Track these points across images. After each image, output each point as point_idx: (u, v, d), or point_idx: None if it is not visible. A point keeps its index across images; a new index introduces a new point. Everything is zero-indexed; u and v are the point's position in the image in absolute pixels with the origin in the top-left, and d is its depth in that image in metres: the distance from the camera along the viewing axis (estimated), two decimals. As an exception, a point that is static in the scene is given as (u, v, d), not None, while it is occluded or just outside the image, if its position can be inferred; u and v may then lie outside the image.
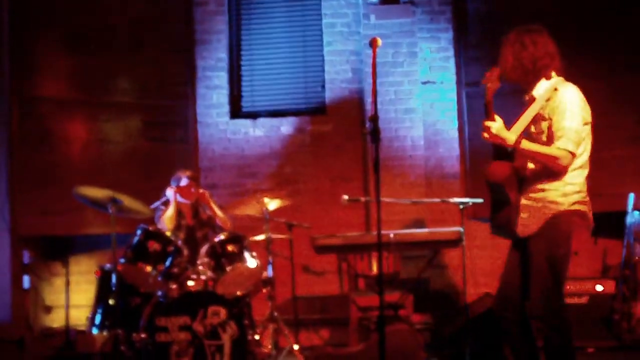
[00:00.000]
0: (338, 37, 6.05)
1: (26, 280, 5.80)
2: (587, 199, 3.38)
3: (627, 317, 5.08)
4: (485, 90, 3.36)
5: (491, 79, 3.37)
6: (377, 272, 4.70)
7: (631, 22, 5.62)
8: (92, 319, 4.55)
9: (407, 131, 5.88)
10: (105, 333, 4.47)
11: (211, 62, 6.11)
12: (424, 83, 5.95)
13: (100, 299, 4.57)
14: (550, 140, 3.29)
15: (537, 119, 3.37)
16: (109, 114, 5.97)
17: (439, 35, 5.96)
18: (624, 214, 5.33)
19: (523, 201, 3.36)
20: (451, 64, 5.95)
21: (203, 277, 4.43)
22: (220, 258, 4.48)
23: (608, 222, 5.61)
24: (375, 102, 3.25)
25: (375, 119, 3.24)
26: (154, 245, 4.37)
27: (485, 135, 3.33)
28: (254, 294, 4.90)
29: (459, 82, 5.96)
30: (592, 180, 5.52)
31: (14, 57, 5.75)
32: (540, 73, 3.38)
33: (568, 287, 5.17)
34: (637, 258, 5.23)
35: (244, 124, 6.10)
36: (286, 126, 6.05)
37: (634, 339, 5.03)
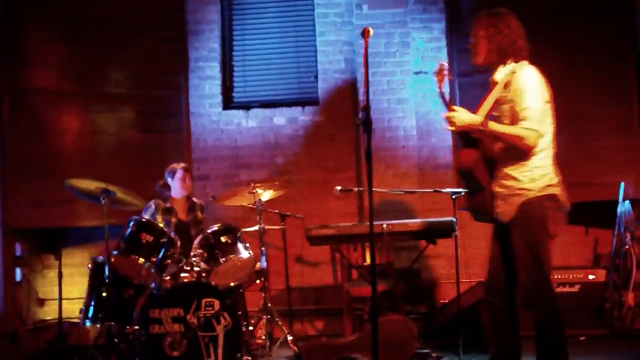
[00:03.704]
0: (331, 27, 6.04)
1: (18, 273, 5.79)
2: (558, 180, 3.42)
3: (618, 306, 5.12)
4: (436, 82, 3.48)
5: (440, 73, 3.48)
6: (370, 263, 4.71)
7: (622, 12, 5.63)
8: (85, 311, 4.53)
9: (399, 121, 5.88)
10: (98, 325, 4.45)
11: (204, 53, 6.09)
12: (417, 73, 5.95)
13: (93, 291, 4.55)
14: (513, 123, 3.34)
15: (499, 102, 3.43)
16: (102, 105, 5.95)
17: (432, 26, 5.96)
18: (614, 203, 5.36)
19: (496, 188, 3.43)
20: (444, 54, 5.95)
21: (196, 269, 4.43)
22: (214, 249, 4.47)
23: (599, 212, 5.66)
24: (367, 93, 3.25)
25: (367, 109, 3.24)
26: (146, 237, 4.35)
27: (449, 127, 3.41)
28: (248, 285, 4.91)
29: (451, 73, 5.95)
30: (583, 170, 5.63)
31: (5, 47, 5.72)
32: (513, 55, 3.43)
33: (560, 276, 5.21)
34: (627, 247, 5.26)
35: (236, 114, 6.09)
36: (279, 117, 6.04)
37: (625, 327, 5.08)
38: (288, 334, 4.71)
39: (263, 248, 4.77)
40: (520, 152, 3.34)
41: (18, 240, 5.81)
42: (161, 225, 4.53)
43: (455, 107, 3.43)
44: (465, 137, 3.48)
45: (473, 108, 6.22)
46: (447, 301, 5.33)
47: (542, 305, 3.34)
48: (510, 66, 3.43)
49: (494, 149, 3.46)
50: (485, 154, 3.47)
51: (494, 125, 3.36)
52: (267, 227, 4.86)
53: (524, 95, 3.31)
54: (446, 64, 3.53)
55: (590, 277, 5.19)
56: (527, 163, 3.34)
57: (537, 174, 3.34)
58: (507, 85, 3.40)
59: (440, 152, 5.91)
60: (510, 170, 3.37)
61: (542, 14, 5.76)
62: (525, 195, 3.33)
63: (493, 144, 3.45)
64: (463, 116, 3.40)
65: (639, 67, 5.65)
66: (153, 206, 4.96)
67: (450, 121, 3.42)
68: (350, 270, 5.33)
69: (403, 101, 5.90)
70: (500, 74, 3.44)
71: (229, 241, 4.53)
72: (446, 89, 3.54)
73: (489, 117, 3.42)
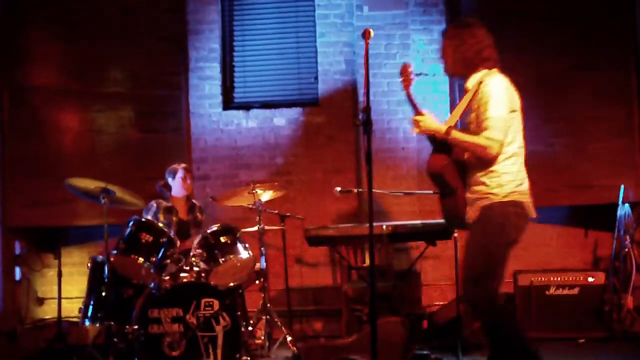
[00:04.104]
0: (331, 29, 6.04)
1: (18, 272, 5.79)
2: (525, 187, 3.43)
3: (617, 309, 5.12)
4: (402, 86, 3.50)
5: (404, 74, 3.50)
6: (369, 264, 4.71)
7: (622, 14, 5.63)
8: (85, 310, 4.53)
9: (399, 123, 5.88)
10: (97, 325, 4.45)
11: (204, 53, 6.09)
12: (417, 75, 5.92)
13: (92, 291, 4.56)
14: (478, 132, 3.37)
15: (469, 110, 3.46)
16: (101, 104, 5.95)
17: (432, 27, 5.96)
18: (614, 206, 5.36)
19: (467, 195, 3.46)
20: (444, 56, 5.94)
21: (196, 269, 4.43)
22: (213, 249, 4.47)
23: (599, 214, 5.67)
24: (367, 94, 3.25)
25: (367, 110, 3.24)
26: (146, 237, 4.34)
27: (416, 130, 3.45)
28: (247, 286, 4.91)
29: (411, 74, 5.95)
30: (583, 172, 5.63)
31: (4, 46, 5.72)
32: (480, 65, 3.46)
33: (559, 279, 5.22)
34: (627, 250, 5.26)
35: (236, 115, 6.09)
36: (279, 117, 6.04)
37: (624, 330, 5.08)
38: (287, 334, 4.71)
39: (262, 248, 4.77)
40: (486, 159, 3.36)
41: (17, 239, 5.81)
42: (161, 224, 4.53)
43: (423, 112, 3.47)
44: (436, 142, 3.51)
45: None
46: (446, 302, 5.32)
47: (481, 303, 3.37)
48: (480, 74, 3.46)
49: (465, 156, 3.50)
50: (457, 160, 3.49)
51: (456, 135, 3.40)
52: (266, 227, 4.86)
53: (488, 105, 3.33)
54: (411, 65, 3.54)
55: (590, 279, 5.19)
56: (496, 169, 3.37)
57: (504, 180, 3.36)
58: (475, 94, 3.43)
59: (440, 153, 5.90)
60: (480, 176, 3.40)
61: (541, 16, 5.77)
62: (490, 200, 3.36)
63: (462, 151, 3.48)
64: (428, 123, 3.45)
65: (639, 69, 5.66)
66: (155, 206, 4.97)
67: (416, 124, 3.46)
68: (350, 271, 5.33)
69: (403, 103, 5.88)
70: (471, 82, 3.48)
71: (229, 241, 4.52)
72: (414, 91, 3.54)
73: (457, 124, 3.44)
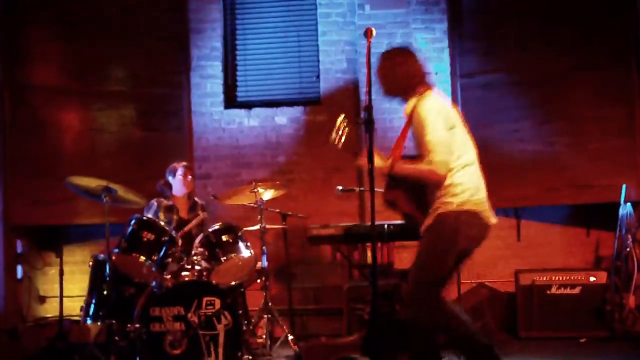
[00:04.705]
0: (333, 27, 6.04)
1: (19, 270, 5.79)
2: (479, 197, 3.42)
3: (619, 308, 5.11)
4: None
5: (339, 129, 3.47)
6: (371, 263, 4.71)
7: (623, 13, 5.62)
8: (86, 309, 4.53)
9: (401, 122, 5.83)
10: (99, 323, 4.45)
11: (206, 51, 6.09)
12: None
13: (94, 289, 4.55)
14: (420, 157, 3.37)
15: (411, 137, 3.48)
16: (103, 103, 5.94)
17: (434, 26, 5.96)
18: (616, 205, 5.35)
19: (429, 211, 3.44)
20: (445, 55, 5.95)
21: (197, 267, 4.43)
22: (215, 248, 4.47)
23: (600, 214, 5.66)
24: (369, 92, 3.26)
25: (369, 109, 3.25)
26: (147, 235, 4.35)
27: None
28: (249, 284, 4.91)
29: (453, 73, 5.96)
30: (585, 172, 5.63)
31: (5, 45, 5.72)
32: (412, 90, 3.51)
33: (560, 278, 5.22)
34: (629, 249, 5.26)
35: (238, 113, 6.09)
36: (280, 116, 6.04)
37: (625, 329, 5.07)
38: (288, 333, 4.71)
39: (264, 247, 4.77)
40: (435, 182, 3.38)
41: (19, 238, 5.81)
42: (162, 223, 4.53)
43: (364, 154, 3.41)
44: (389, 176, 3.50)
45: (474, 108, 6.25)
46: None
47: (413, 305, 3.39)
48: (413, 101, 3.49)
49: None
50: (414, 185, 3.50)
51: (401, 168, 3.41)
52: (268, 226, 4.86)
53: (424, 130, 3.35)
54: (343, 120, 3.50)
55: (592, 279, 5.18)
56: (450, 182, 3.38)
57: (458, 190, 3.37)
58: (410, 121, 3.46)
59: (441, 152, 5.90)
60: (436, 192, 3.41)
61: (542, 15, 5.76)
62: (445, 208, 3.37)
63: None
64: (375, 164, 3.42)
65: (640, 68, 5.66)
66: (155, 204, 4.97)
67: (363, 166, 3.43)
68: (351, 270, 5.32)
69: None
70: (407, 109, 3.52)
71: (230, 240, 4.53)
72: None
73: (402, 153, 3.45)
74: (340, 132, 3.46)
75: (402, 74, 3.49)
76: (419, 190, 3.48)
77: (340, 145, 3.45)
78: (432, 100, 3.44)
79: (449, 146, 3.35)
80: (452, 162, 3.35)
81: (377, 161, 3.41)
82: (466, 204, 3.36)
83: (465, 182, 3.38)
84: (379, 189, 3.38)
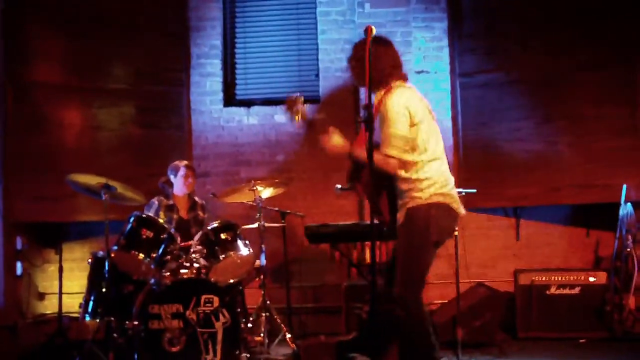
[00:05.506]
0: (332, 26, 6.03)
1: (19, 267, 5.79)
2: (448, 189, 3.47)
3: (618, 309, 5.11)
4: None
5: (291, 104, 3.59)
6: (370, 261, 4.71)
7: (625, 13, 5.61)
8: (85, 306, 4.53)
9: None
10: (97, 320, 4.46)
11: (205, 49, 6.09)
12: (418, 72, 5.94)
13: (93, 286, 4.56)
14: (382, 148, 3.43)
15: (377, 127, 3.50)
16: (103, 101, 5.94)
17: (434, 25, 5.95)
18: (616, 205, 5.34)
19: (398, 201, 3.49)
20: (445, 54, 5.94)
21: (196, 265, 4.43)
22: (214, 246, 4.48)
23: (600, 214, 5.65)
24: (369, 91, 3.25)
25: (369, 107, 3.24)
26: (146, 233, 4.35)
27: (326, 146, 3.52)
28: (247, 282, 4.91)
29: (452, 72, 5.96)
30: (585, 172, 5.61)
31: (7, 42, 5.70)
32: (387, 81, 3.51)
33: (560, 278, 5.21)
34: (629, 250, 5.25)
35: (237, 112, 6.09)
36: (280, 114, 6.04)
37: (625, 330, 5.07)
38: (287, 331, 4.71)
39: (263, 245, 4.77)
40: (406, 166, 3.42)
41: (19, 234, 5.80)
42: (162, 221, 4.53)
43: (330, 130, 3.51)
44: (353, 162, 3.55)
45: (474, 107, 6.24)
46: (446, 301, 5.32)
47: (402, 304, 3.40)
48: (381, 93, 3.51)
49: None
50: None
51: (358, 153, 3.45)
52: (266, 224, 4.86)
53: (386, 123, 3.41)
54: (298, 96, 3.60)
55: (591, 279, 5.18)
56: (416, 177, 3.42)
57: (425, 184, 3.42)
58: (376, 113, 3.48)
59: (441, 151, 5.89)
60: (401, 183, 3.46)
61: (543, 13, 5.75)
62: (415, 203, 3.42)
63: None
64: (334, 141, 3.52)
65: (642, 68, 5.64)
66: (156, 203, 4.97)
67: (324, 143, 3.53)
68: (350, 268, 5.32)
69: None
70: (375, 101, 3.53)
71: (229, 238, 4.53)
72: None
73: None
74: (294, 109, 3.57)
75: (376, 68, 3.44)
76: (384, 184, 3.52)
77: (296, 121, 3.57)
78: (399, 94, 3.47)
79: (408, 142, 3.41)
80: (417, 156, 3.41)
81: (339, 140, 3.51)
82: (434, 197, 3.41)
83: (432, 175, 3.43)
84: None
